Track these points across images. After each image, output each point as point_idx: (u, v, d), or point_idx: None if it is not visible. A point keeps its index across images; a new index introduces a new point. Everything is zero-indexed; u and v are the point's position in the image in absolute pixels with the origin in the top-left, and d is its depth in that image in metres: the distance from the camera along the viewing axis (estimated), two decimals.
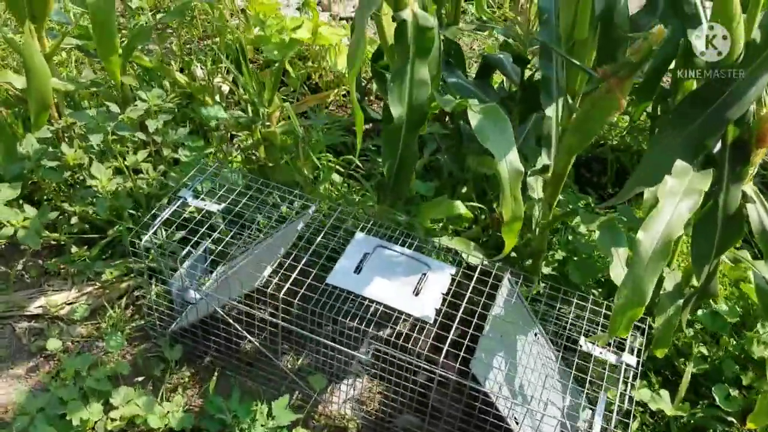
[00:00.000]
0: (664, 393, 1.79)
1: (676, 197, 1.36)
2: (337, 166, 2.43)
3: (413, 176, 1.96)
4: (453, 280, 1.69)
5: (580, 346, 1.60)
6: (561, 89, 1.85)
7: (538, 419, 1.54)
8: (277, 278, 1.63)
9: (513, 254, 2.08)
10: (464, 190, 2.38)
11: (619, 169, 2.71)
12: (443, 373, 1.53)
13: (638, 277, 1.29)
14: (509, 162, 1.48)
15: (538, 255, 2.01)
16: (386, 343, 1.57)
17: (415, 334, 1.64)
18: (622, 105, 1.46)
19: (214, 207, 1.82)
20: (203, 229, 1.78)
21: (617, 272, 1.51)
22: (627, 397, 1.50)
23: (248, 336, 1.73)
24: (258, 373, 1.87)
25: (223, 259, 1.94)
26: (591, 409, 1.66)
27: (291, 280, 1.61)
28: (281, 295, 1.60)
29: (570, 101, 1.69)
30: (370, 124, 2.95)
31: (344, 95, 3.14)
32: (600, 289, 2.06)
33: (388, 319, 1.83)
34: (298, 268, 1.65)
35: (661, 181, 1.61)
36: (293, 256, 1.71)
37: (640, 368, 1.56)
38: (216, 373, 1.85)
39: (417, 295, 1.63)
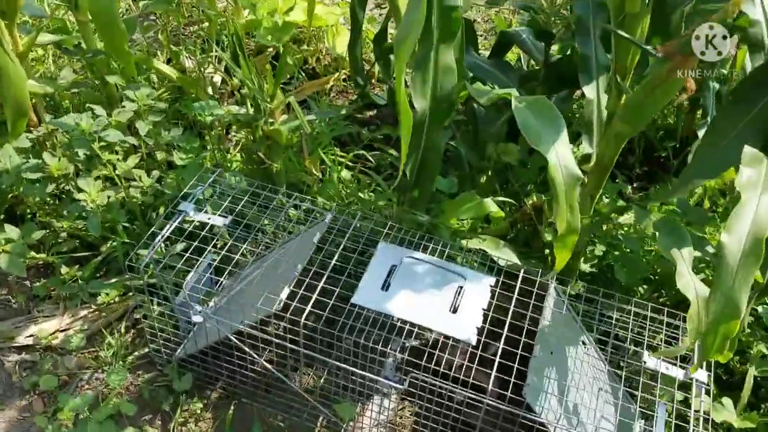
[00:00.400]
0: (727, 402, 1.62)
1: (757, 189, 1.18)
2: (341, 160, 2.23)
3: (437, 175, 1.76)
4: (492, 292, 1.50)
5: (644, 362, 1.42)
6: (601, 68, 1.65)
7: None
8: (296, 300, 1.44)
9: (547, 251, 1.90)
10: (483, 179, 2.18)
11: (646, 146, 2.52)
12: (493, 402, 1.35)
13: (728, 288, 1.11)
14: (564, 166, 1.28)
15: (578, 253, 1.82)
16: (425, 370, 1.39)
17: (457, 359, 1.46)
18: (692, 86, 1.26)
19: (219, 221, 1.62)
20: (209, 247, 1.59)
21: (685, 280, 1.32)
22: (701, 419, 1.33)
23: (266, 365, 1.55)
24: (277, 400, 1.69)
25: (230, 273, 1.75)
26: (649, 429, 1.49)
27: (312, 302, 1.43)
28: (302, 320, 1.41)
29: (620, 82, 1.49)
30: (374, 110, 2.75)
31: (344, 80, 2.92)
32: (645, 286, 1.88)
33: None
34: (319, 288, 1.46)
35: (723, 170, 1.44)
36: (311, 273, 1.52)
37: (712, 384, 1.39)
38: (232, 406, 1.67)
39: (455, 312, 1.45)
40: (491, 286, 1.51)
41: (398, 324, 1.48)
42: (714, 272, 1.13)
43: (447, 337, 1.44)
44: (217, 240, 1.77)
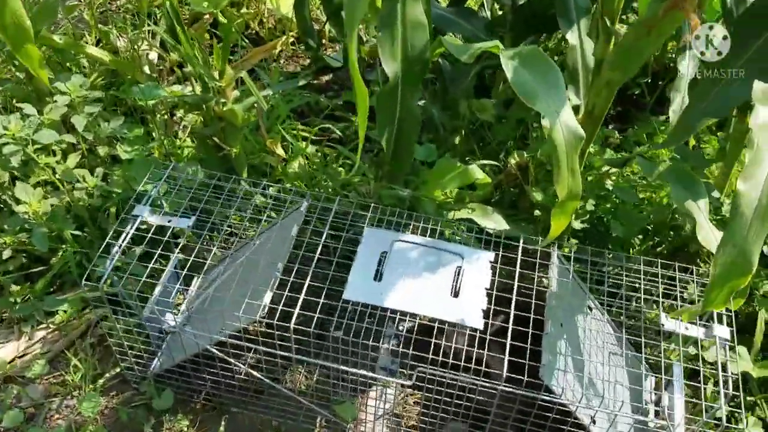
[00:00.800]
0: (743, 350, 1.55)
1: None
2: (304, 135, 2.06)
3: (416, 143, 1.61)
4: (493, 268, 1.38)
5: (662, 325, 1.33)
6: (581, 10, 1.51)
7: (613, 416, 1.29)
8: (281, 304, 1.30)
9: (537, 212, 1.79)
10: (457, 140, 2.05)
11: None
12: (509, 388, 1.24)
13: (741, 239, 1.01)
14: (565, 125, 1.15)
15: None
16: (432, 362, 1.27)
17: (465, 346, 1.33)
18: (698, 23, 1.14)
19: (182, 222, 1.45)
20: (176, 253, 1.42)
21: (705, 234, 1.23)
22: (730, 379, 1.24)
23: (254, 373, 1.41)
24: (269, 405, 1.56)
25: (199, 277, 1.60)
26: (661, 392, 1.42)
27: (300, 304, 1.29)
28: (293, 324, 1.27)
29: (608, 25, 1.35)
30: (330, 74, 2.57)
31: (293, 43, 2.72)
32: (641, 237, 1.79)
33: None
34: (306, 286, 1.32)
35: (729, 109, 1.34)
36: (294, 270, 1.38)
37: (735, 339, 1.30)
38: (223, 421, 1.54)
39: (456, 296, 1.33)
40: (491, 261, 1.39)
41: (389, 312, 1.36)
42: (727, 221, 1.03)
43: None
44: (181, 242, 1.60)
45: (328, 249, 1.46)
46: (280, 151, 1.95)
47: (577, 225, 1.77)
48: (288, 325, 1.27)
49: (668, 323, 1.33)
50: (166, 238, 1.41)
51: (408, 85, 1.47)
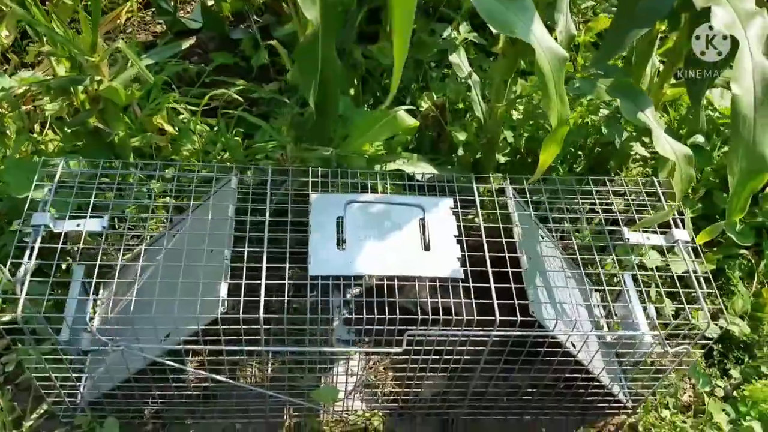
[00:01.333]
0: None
1: (739, 29, 1.08)
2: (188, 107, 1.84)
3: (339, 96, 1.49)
4: (455, 214, 1.32)
5: (627, 239, 1.35)
6: None
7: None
8: (243, 294, 1.15)
9: (461, 152, 1.74)
10: (352, 91, 1.93)
11: None
12: (502, 332, 1.20)
13: (749, 142, 1.03)
14: (548, 50, 1.08)
15: (493, 144, 1.68)
16: (422, 322, 1.19)
17: (453, 300, 1.26)
18: None
19: (96, 225, 1.24)
20: (98, 264, 1.22)
21: (662, 143, 1.23)
22: (701, 278, 1.27)
23: (220, 378, 1.26)
24: (226, 408, 1.41)
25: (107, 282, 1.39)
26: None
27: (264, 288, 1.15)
28: (261, 314, 1.13)
29: None
30: (193, 38, 2.32)
31: (140, 9, 2.44)
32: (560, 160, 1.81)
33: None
34: (264, 269, 1.18)
35: (657, 18, 1.35)
36: (245, 254, 1.23)
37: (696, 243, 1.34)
38: None
39: (428, 250, 1.25)
40: (451, 208, 1.32)
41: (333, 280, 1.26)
42: (731, 128, 1.04)
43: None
44: (82, 246, 1.38)
45: (268, 225, 1.31)
46: (168, 128, 1.74)
47: (501, 158, 1.75)
48: (257, 315, 1.13)
49: (631, 236, 1.35)
50: (81, 247, 1.20)
51: (328, 33, 1.34)
